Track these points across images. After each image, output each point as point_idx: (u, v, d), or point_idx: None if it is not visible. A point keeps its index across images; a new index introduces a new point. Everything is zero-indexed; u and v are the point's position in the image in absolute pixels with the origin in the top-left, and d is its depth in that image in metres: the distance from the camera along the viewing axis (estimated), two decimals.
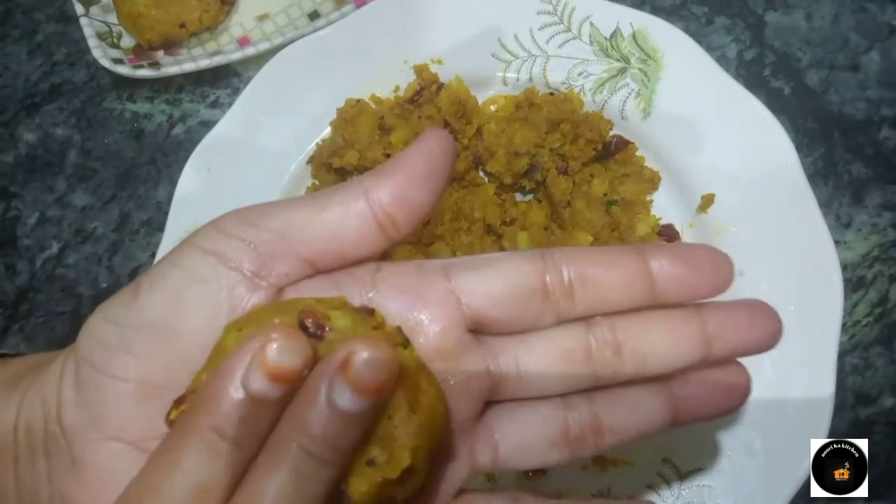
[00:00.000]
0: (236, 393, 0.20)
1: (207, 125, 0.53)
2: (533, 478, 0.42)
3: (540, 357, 0.25)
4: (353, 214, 0.23)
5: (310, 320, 0.22)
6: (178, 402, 0.22)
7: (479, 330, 0.25)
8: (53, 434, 0.23)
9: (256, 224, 0.23)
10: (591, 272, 0.25)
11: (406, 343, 0.22)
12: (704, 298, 0.25)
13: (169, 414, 0.22)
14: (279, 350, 0.20)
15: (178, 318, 0.23)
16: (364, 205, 0.23)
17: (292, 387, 0.20)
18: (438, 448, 0.23)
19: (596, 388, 0.26)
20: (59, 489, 0.23)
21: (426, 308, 0.24)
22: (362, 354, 0.19)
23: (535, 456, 0.26)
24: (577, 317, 0.25)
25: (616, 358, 0.25)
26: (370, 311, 0.23)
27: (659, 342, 0.25)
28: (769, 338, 0.25)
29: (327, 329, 0.22)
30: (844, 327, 0.46)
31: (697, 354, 0.25)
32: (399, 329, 0.23)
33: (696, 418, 0.26)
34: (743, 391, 0.26)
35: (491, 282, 0.24)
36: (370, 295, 0.24)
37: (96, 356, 0.23)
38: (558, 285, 0.25)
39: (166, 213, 0.47)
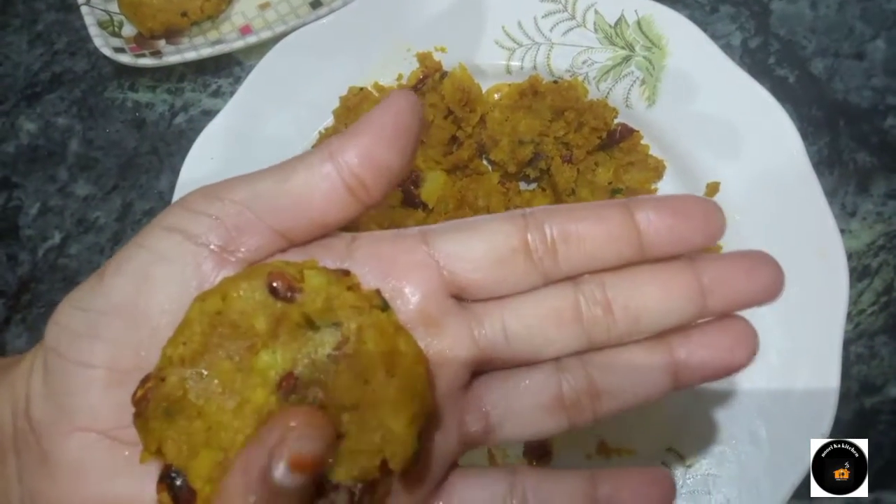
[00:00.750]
0: (258, 488, 0.19)
1: (209, 114, 0.52)
2: (537, 465, 0.42)
3: (527, 319, 0.24)
4: (319, 178, 0.22)
5: (279, 282, 0.21)
6: (145, 380, 0.21)
7: (461, 295, 0.24)
8: (23, 430, 0.23)
9: (222, 198, 0.22)
10: (574, 228, 0.24)
11: (385, 306, 0.22)
12: (697, 248, 0.24)
13: (135, 393, 0.21)
14: (300, 439, 0.19)
15: (144, 299, 0.22)
16: (331, 168, 0.22)
17: (314, 474, 0.19)
18: (426, 414, 0.22)
19: (589, 350, 0.24)
20: (30, 487, 0.22)
21: (405, 274, 0.23)
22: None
23: (529, 424, 0.24)
24: (564, 276, 0.24)
25: (607, 316, 0.24)
26: (345, 272, 0.22)
27: (651, 297, 0.24)
28: (771, 287, 0.24)
29: (298, 292, 0.21)
30: (849, 316, 0.46)
31: (693, 308, 0.24)
32: (377, 291, 0.22)
33: (699, 379, 0.24)
34: (748, 347, 0.24)
35: (471, 244, 0.24)
36: (346, 265, 0.23)
37: (63, 344, 0.22)
38: (541, 243, 0.24)
39: (168, 203, 0.46)
